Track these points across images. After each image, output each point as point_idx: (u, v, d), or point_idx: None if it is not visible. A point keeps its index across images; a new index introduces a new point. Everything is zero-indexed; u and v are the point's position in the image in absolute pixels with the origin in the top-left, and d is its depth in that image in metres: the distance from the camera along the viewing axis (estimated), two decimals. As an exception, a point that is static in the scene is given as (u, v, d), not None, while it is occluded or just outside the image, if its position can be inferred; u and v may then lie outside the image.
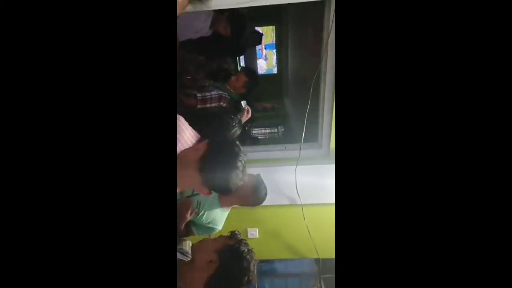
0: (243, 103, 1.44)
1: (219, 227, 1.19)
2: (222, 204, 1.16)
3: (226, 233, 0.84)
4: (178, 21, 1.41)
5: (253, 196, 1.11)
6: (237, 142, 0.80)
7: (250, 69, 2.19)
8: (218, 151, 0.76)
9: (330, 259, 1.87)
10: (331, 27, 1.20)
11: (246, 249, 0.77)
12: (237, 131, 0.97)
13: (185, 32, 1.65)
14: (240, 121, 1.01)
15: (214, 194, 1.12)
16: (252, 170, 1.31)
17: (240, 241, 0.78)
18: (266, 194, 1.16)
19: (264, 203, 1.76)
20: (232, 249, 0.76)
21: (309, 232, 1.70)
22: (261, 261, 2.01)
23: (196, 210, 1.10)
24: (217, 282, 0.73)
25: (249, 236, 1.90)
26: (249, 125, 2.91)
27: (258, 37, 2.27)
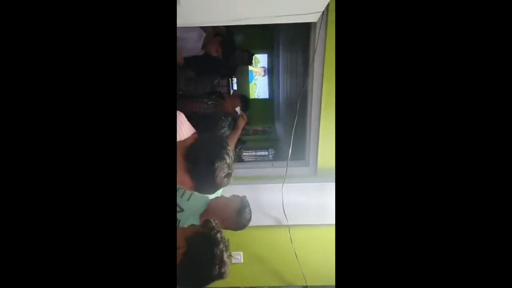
0: (237, 109, 1.44)
1: None
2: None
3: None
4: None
5: (236, 219, 1.06)
6: (226, 138, 0.77)
7: (244, 95, 2.23)
8: (206, 142, 0.74)
9: (318, 287, 1.76)
10: (316, 46, 1.26)
11: (218, 236, 0.70)
12: (226, 131, 0.95)
13: (178, 51, 1.70)
14: (230, 123, 1.00)
15: (194, 214, 1.06)
16: (238, 187, 1.27)
17: (212, 228, 0.72)
18: (250, 218, 1.11)
19: (249, 224, 1.69)
20: (202, 236, 0.69)
21: (296, 256, 1.61)
22: (246, 290, 1.87)
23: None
24: (185, 271, 0.65)
25: (233, 261, 1.79)
26: (240, 146, 2.91)
27: (249, 57, 2.35)
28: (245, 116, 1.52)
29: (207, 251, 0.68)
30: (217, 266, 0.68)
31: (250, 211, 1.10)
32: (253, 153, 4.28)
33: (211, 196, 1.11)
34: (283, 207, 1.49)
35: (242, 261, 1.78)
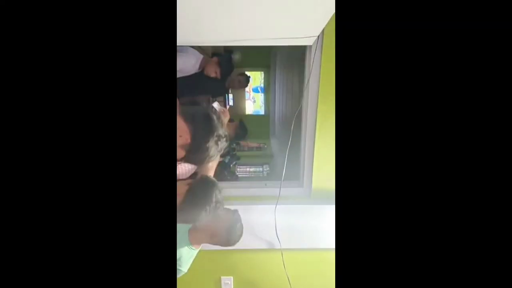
0: (215, 104, 1.42)
1: (184, 268, 1.04)
2: (191, 241, 1.03)
3: (190, 277, 0.92)
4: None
5: (226, 235, 1.00)
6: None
7: (243, 123, 2.22)
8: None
9: (312, 316, 1.67)
10: (312, 68, 1.28)
11: (214, 179, 0.92)
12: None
13: (177, 74, 1.71)
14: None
15: (183, 231, 1.01)
16: (230, 208, 1.22)
17: (207, 176, 0.93)
18: (241, 234, 1.05)
19: (241, 247, 1.62)
20: (200, 179, 0.90)
21: (289, 281, 1.54)
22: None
23: None
24: (184, 209, 0.82)
25: (223, 286, 1.69)
26: (234, 162, 2.87)
27: (246, 80, 2.40)
28: (226, 113, 1.52)
29: (205, 188, 0.86)
30: (214, 202, 0.85)
31: (242, 226, 1.04)
32: (247, 169, 4.24)
33: None
34: (275, 230, 1.44)
35: (233, 287, 1.69)
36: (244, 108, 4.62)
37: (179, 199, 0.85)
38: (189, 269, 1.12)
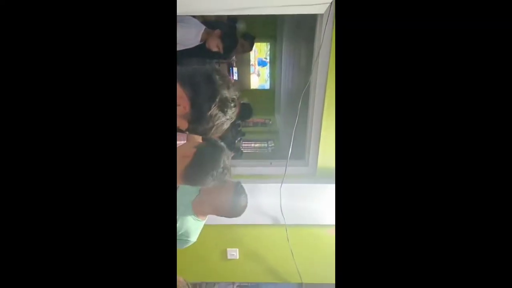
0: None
1: (193, 238, 1.06)
2: (196, 213, 1.03)
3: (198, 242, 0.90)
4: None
5: (231, 205, 0.99)
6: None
7: (247, 104, 2.07)
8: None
9: (313, 284, 1.76)
10: (322, 40, 1.18)
11: (222, 144, 0.86)
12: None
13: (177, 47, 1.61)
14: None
15: (186, 203, 1.02)
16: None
17: (216, 139, 0.87)
18: (246, 205, 1.03)
19: (246, 221, 1.67)
20: (208, 142, 0.85)
21: (292, 254, 1.60)
22: (240, 284, 1.88)
23: None
24: (191, 171, 0.79)
25: (229, 257, 1.78)
26: (239, 138, 2.85)
27: (250, 43, 2.18)
28: (220, 46, 1.46)
29: (212, 152, 0.80)
30: (221, 167, 0.80)
31: (246, 197, 1.02)
32: (252, 145, 4.24)
33: None
34: (281, 208, 1.46)
35: (238, 258, 1.77)
36: (249, 83, 4.48)
37: (186, 161, 0.78)
38: (196, 242, 1.16)
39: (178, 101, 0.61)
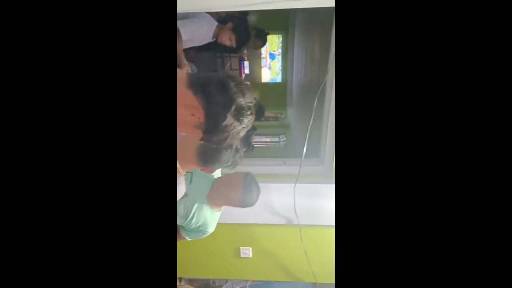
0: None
1: (210, 229, 1.09)
2: (211, 205, 1.05)
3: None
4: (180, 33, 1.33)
5: (243, 194, 1.01)
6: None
7: (261, 106, 2.00)
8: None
9: (328, 284, 1.74)
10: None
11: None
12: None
13: (188, 43, 1.57)
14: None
15: (201, 195, 1.03)
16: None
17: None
18: (258, 194, 1.05)
19: (259, 221, 1.65)
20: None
21: (306, 254, 1.57)
22: (254, 282, 1.88)
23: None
24: (206, 148, 0.77)
25: (242, 255, 1.78)
26: (251, 133, 2.82)
27: (263, 40, 2.10)
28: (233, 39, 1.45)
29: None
30: (233, 149, 0.78)
31: (258, 186, 1.04)
32: (263, 139, 4.20)
33: (215, 176, 1.08)
34: (294, 208, 1.42)
35: (251, 256, 1.77)
36: (261, 76, 4.41)
37: (199, 141, 0.77)
38: (209, 240, 1.17)
39: (192, 110, 0.58)
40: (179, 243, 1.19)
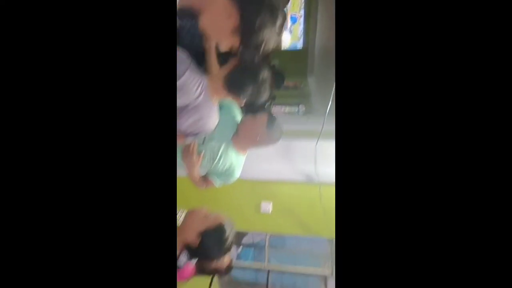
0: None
1: (237, 173, 1.12)
2: (237, 148, 1.09)
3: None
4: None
5: (267, 133, 1.05)
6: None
7: (281, 75, 1.86)
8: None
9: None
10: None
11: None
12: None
13: None
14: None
15: (226, 139, 1.07)
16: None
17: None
18: (281, 131, 1.09)
19: (281, 177, 1.71)
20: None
21: (324, 212, 1.65)
22: (272, 235, 2.02)
23: (203, 153, 1.05)
24: (235, 75, 0.78)
25: (262, 211, 1.89)
26: (270, 102, 2.79)
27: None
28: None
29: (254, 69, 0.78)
30: (260, 79, 0.80)
31: (280, 124, 1.08)
32: (282, 109, 4.16)
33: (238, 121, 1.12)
34: (315, 167, 1.46)
35: (270, 212, 1.88)
36: (280, 43, 4.23)
37: (229, 68, 0.79)
38: (230, 195, 1.24)
39: (228, 14, 0.64)
40: (204, 193, 1.27)
